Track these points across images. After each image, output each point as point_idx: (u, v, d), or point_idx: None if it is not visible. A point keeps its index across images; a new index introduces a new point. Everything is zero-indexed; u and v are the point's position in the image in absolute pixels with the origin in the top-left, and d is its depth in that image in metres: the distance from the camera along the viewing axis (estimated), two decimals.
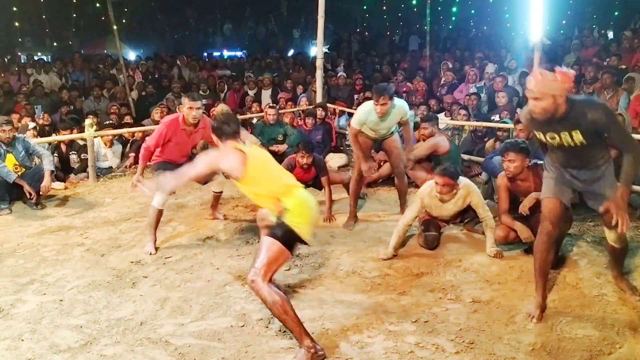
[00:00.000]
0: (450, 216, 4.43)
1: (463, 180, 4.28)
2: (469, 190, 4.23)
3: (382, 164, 6.21)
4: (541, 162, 3.99)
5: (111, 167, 6.99)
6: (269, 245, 2.80)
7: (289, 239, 2.82)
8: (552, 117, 2.86)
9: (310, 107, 8.21)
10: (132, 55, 17.21)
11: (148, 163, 4.59)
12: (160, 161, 4.51)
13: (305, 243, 2.92)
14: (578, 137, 2.87)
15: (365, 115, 4.75)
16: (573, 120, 2.83)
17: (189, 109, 4.39)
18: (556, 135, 2.93)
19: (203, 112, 4.60)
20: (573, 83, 2.85)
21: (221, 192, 5.02)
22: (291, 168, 5.14)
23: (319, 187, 5.25)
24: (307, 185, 5.44)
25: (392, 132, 5.02)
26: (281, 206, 2.85)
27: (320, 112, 7.76)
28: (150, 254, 4.23)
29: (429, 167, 5.99)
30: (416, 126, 6.29)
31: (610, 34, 12.05)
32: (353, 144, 4.94)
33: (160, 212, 4.40)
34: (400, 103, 4.93)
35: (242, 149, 2.95)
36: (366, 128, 4.91)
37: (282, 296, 2.75)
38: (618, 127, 2.87)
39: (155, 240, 4.36)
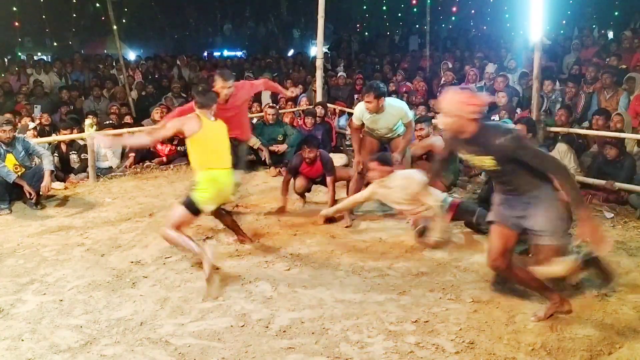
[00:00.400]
0: (407, 204, 4.48)
1: (406, 173, 4.52)
2: (410, 182, 4.32)
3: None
4: None
5: (111, 167, 6.98)
6: (175, 210, 3.74)
7: (192, 206, 3.68)
8: (463, 138, 2.87)
9: (311, 107, 8.21)
10: (132, 55, 17.22)
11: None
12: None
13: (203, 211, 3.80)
14: (491, 163, 2.83)
15: (360, 112, 4.89)
16: (482, 146, 2.82)
17: (221, 87, 4.67)
18: (472, 157, 2.92)
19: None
20: (482, 108, 2.80)
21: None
22: (299, 164, 5.23)
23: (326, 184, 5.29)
24: (315, 182, 5.51)
25: (399, 135, 5.06)
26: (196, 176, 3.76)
27: (320, 111, 7.76)
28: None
29: (426, 166, 6.01)
30: None
31: (611, 34, 12.04)
32: (352, 138, 5.18)
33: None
34: (398, 104, 4.97)
35: (203, 119, 3.80)
36: (367, 126, 4.99)
37: (180, 234, 3.64)
38: (532, 152, 2.74)
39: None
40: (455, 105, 2.81)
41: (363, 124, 5.07)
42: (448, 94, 2.87)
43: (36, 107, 8.73)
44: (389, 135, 5.05)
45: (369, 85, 4.80)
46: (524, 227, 2.94)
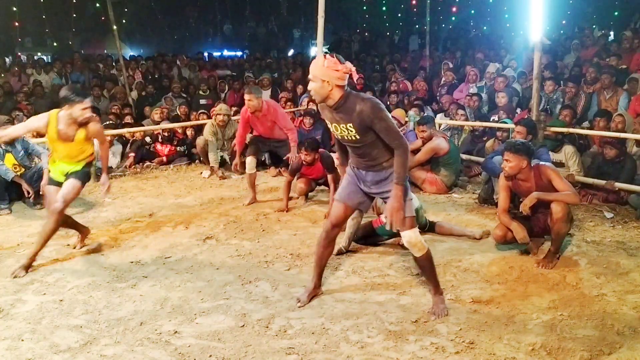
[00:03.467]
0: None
1: None
2: None
3: None
4: (543, 163, 4.00)
5: (111, 167, 6.99)
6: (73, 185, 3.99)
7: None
8: (330, 106, 2.95)
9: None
10: (130, 53, 17.22)
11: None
12: (253, 136, 5.88)
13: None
14: (352, 131, 2.93)
15: None
16: (345, 112, 2.91)
17: (246, 100, 5.43)
18: (337, 127, 3.01)
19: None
20: (346, 75, 2.86)
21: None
22: (300, 166, 5.25)
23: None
24: (317, 184, 5.54)
25: None
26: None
27: (312, 105, 7.79)
28: (245, 205, 5.49)
29: (427, 167, 6.02)
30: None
31: (611, 34, 12.03)
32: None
33: (251, 176, 5.60)
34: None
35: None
36: None
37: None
38: (384, 122, 2.84)
39: (254, 197, 5.62)
40: (320, 69, 2.86)
41: None
42: (316, 59, 2.92)
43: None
44: None
45: None
46: (380, 194, 3.14)
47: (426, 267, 3.23)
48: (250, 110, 5.46)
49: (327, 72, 2.85)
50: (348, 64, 2.89)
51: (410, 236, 3.08)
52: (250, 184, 5.63)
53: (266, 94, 9.80)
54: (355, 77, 2.93)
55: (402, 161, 2.89)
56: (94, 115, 4.24)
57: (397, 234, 4.39)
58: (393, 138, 2.87)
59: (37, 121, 3.90)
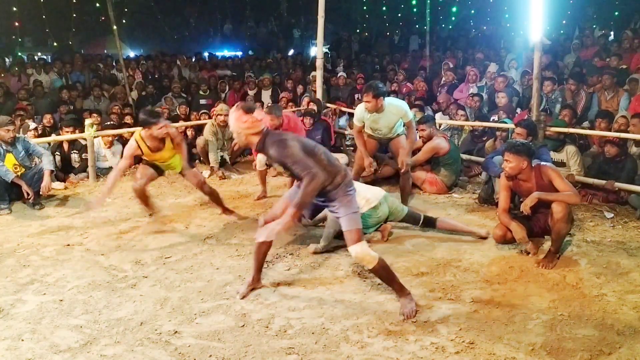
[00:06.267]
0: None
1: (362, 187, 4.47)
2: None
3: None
4: (544, 163, 4.00)
5: (111, 167, 6.97)
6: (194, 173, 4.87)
7: None
8: (255, 149, 3.20)
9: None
10: (132, 55, 17.22)
11: None
12: None
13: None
14: (280, 167, 3.19)
15: (361, 113, 4.94)
16: (266, 153, 3.15)
17: (270, 120, 5.46)
18: (273, 164, 3.19)
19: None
20: (256, 123, 3.06)
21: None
22: None
23: None
24: None
25: (398, 134, 5.09)
26: None
27: (312, 106, 7.77)
28: (254, 199, 5.65)
29: (428, 167, 6.01)
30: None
31: (611, 34, 12.03)
32: (356, 140, 5.23)
33: (261, 172, 5.71)
34: (398, 103, 5.00)
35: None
36: (368, 127, 5.01)
37: None
38: (289, 158, 2.99)
39: (264, 192, 5.74)
40: (233, 123, 3.12)
41: (364, 126, 5.10)
42: (231, 114, 3.15)
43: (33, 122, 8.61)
44: (389, 136, 5.09)
45: (368, 85, 4.84)
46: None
47: (383, 276, 3.24)
48: (272, 128, 5.63)
49: (236, 124, 3.09)
50: (256, 113, 3.07)
51: (356, 250, 3.10)
52: (261, 179, 5.78)
53: (266, 94, 9.81)
54: (267, 123, 3.16)
55: (303, 186, 2.95)
56: (170, 127, 4.70)
57: (379, 227, 4.43)
58: (300, 170, 2.98)
59: (131, 150, 4.55)
